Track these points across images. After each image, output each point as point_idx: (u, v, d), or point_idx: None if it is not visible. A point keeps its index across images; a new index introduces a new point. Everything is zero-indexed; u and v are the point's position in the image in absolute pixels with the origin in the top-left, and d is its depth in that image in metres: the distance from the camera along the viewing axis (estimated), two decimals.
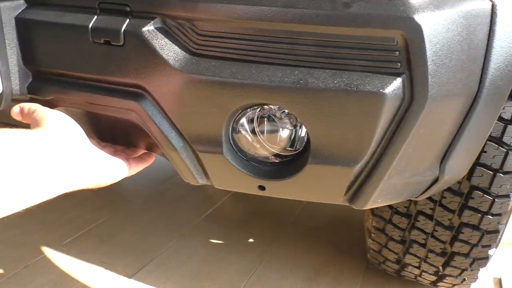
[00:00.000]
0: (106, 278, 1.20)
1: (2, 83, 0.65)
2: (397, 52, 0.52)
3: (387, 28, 0.51)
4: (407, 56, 0.52)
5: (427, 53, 0.52)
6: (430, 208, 0.86)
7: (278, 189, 0.65)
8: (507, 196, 0.80)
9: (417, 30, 0.51)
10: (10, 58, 0.65)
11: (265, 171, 0.65)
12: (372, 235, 1.00)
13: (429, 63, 0.52)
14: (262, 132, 0.65)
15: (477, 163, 0.78)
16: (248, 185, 0.66)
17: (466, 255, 0.89)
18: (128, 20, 0.59)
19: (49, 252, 1.30)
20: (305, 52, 0.55)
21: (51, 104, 0.69)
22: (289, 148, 0.66)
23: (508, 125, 0.75)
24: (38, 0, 0.64)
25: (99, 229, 1.44)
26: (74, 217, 1.50)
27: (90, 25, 0.60)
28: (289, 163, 0.65)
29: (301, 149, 0.65)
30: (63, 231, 1.41)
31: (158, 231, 1.44)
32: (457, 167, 0.68)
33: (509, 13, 0.60)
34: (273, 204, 1.64)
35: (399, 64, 0.53)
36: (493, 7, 0.59)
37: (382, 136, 0.57)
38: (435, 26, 0.52)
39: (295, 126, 0.65)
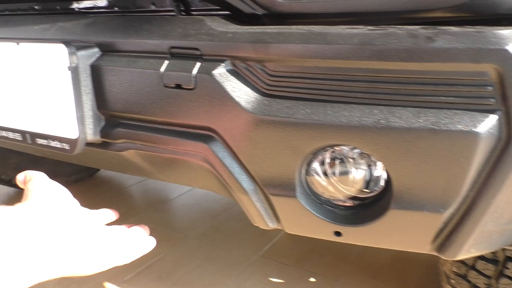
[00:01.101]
0: None
1: (78, 128, 0.67)
2: (491, 87, 0.48)
3: (478, 62, 0.47)
4: (502, 90, 0.48)
5: None
6: None
7: (356, 236, 0.61)
8: None
9: None
10: (85, 104, 0.67)
11: (341, 215, 0.61)
12: (452, 281, 0.92)
13: None
14: (335, 174, 0.61)
15: None
16: (323, 230, 0.62)
17: None
18: (198, 64, 0.59)
19: None
20: (385, 90, 0.51)
21: (122, 147, 0.70)
22: (365, 190, 0.62)
23: None
24: (112, 48, 0.66)
25: (158, 265, 1.44)
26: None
27: (162, 70, 0.61)
28: (368, 207, 0.60)
29: (379, 190, 0.61)
30: (123, 266, 1.42)
31: (216, 268, 1.41)
32: None
33: None
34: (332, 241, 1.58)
35: (493, 100, 0.48)
36: None
37: (476, 179, 0.51)
38: None
39: (369, 166, 0.61)
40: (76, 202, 0.59)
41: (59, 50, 0.64)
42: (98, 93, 0.67)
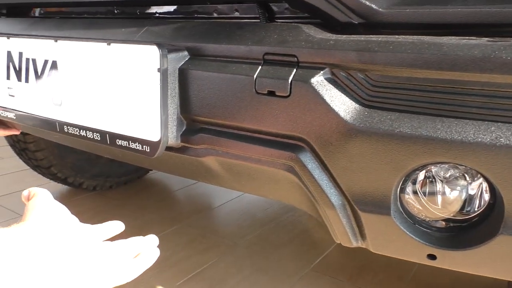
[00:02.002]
0: None
1: (160, 131, 0.66)
2: None
3: None
4: None
5: None
6: None
7: (453, 260, 0.56)
8: None
9: None
10: (170, 107, 0.66)
11: (438, 237, 0.57)
12: None
13: None
14: (428, 193, 0.58)
15: None
16: (415, 252, 0.58)
17: None
18: (295, 71, 0.57)
19: None
20: (505, 105, 0.47)
21: (202, 153, 0.69)
22: (462, 212, 0.58)
23: None
24: (202, 52, 0.65)
25: (208, 272, 1.43)
26: (183, 258, 1.50)
27: (255, 75, 0.59)
28: (469, 230, 0.56)
29: (480, 214, 0.56)
30: (175, 271, 1.42)
31: (268, 279, 1.38)
32: None
33: None
34: (386, 256, 1.51)
35: None
36: None
37: None
38: None
39: (467, 187, 0.57)
40: (75, 220, 0.57)
41: (151, 52, 0.64)
42: (183, 97, 0.67)
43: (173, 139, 0.68)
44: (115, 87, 0.71)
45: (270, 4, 0.68)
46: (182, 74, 0.66)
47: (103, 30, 0.77)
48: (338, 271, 1.45)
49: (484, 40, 0.49)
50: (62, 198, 1.95)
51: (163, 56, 0.63)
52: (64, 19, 0.91)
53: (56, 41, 0.77)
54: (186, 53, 0.66)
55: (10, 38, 0.85)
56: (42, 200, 0.57)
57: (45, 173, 1.82)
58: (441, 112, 0.50)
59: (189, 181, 2.20)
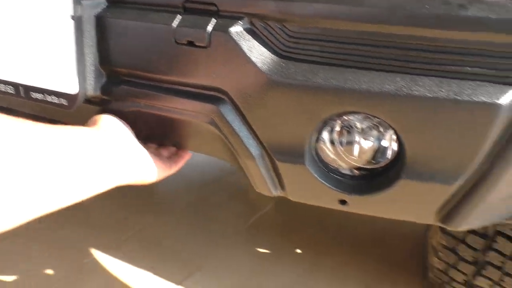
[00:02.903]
0: (155, 284, 1.17)
1: (78, 83, 0.63)
2: None
3: (509, 34, 0.46)
4: None
5: None
6: (511, 228, 0.80)
7: (362, 205, 0.60)
8: None
9: None
10: (87, 57, 0.63)
11: (349, 184, 0.60)
12: (439, 253, 0.94)
13: None
14: (344, 143, 0.61)
15: None
16: (328, 198, 0.61)
17: None
18: (214, 20, 0.56)
19: (98, 255, 1.29)
20: (410, 57, 0.50)
21: (123, 106, 0.67)
22: (373, 161, 0.62)
23: None
24: None
25: (144, 233, 1.43)
26: (120, 220, 1.49)
27: (174, 25, 0.58)
28: (376, 178, 0.60)
29: (387, 162, 0.60)
30: (110, 234, 1.41)
31: (203, 238, 1.41)
32: None
33: None
34: (317, 212, 1.59)
35: None
36: None
37: (490, 152, 0.51)
38: None
39: (378, 138, 0.61)
40: (128, 130, 0.67)
41: None
42: (102, 47, 0.64)
43: (91, 91, 0.66)
44: (27, 35, 0.66)
45: None
46: (99, 22, 0.62)
47: None
48: (272, 228, 1.51)
49: None
50: None
51: (76, 2, 0.60)
52: None
53: None
54: None
55: None
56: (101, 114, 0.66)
57: None
58: (351, 63, 0.52)
59: None
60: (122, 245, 1.36)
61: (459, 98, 0.49)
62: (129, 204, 1.58)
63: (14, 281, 1.18)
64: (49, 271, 1.22)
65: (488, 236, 0.83)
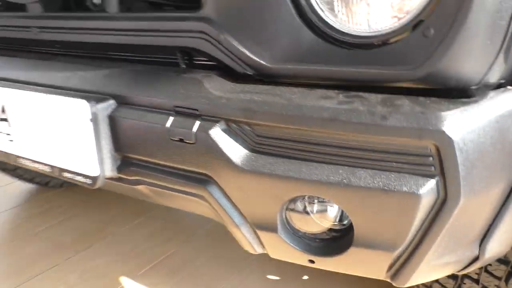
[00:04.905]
0: None
1: (99, 167, 0.80)
2: (431, 158, 0.59)
3: (421, 139, 0.58)
4: (440, 161, 0.59)
5: (458, 161, 0.58)
6: (476, 273, 0.90)
7: (325, 264, 0.73)
8: None
9: (448, 141, 0.57)
10: (104, 147, 0.80)
11: (314, 247, 0.74)
12: None
13: (460, 168, 0.58)
14: (311, 212, 0.74)
15: None
16: (299, 258, 0.75)
17: None
18: (198, 122, 0.71)
19: (127, 282, 1.47)
20: (348, 154, 0.63)
21: (135, 182, 0.83)
22: (336, 223, 0.75)
23: None
24: (126, 101, 0.78)
25: (168, 261, 1.60)
26: (146, 249, 1.67)
27: (168, 125, 0.73)
28: (335, 242, 0.73)
29: (346, 226, 0.73)
30: (138, 261, 1.59)
31: (219, 265, 1.56)
32: (499, 246, 0.72)
33: None
34: None
35: (433, 168, 0.60)
36: None
37: (419, 228, 0.63)
38: (466, 136, 0.58)
39: (334, 210, 0.73)
40: None
41: (83, 105, 0.76)
42: (115, 139, 0.80)
43: (109, 171, 0.82)
44: (57, 130, 0.83)
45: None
46: (111, 120, 0.79)
47: (43, 73, 0.89)
48: None
49: (336, 101, 0.63)
50: (30, 196, 2.07)
51: (93, 108, 0.76)
52: (9, 58, 1.01)
53: (4, 87, 0.88)
54: (113, 101, 0.79)
55: None
56: None
57: (12, 174, 1.93)
58: (305, 158, 0.66)
59: None
60: (149, 272, 1.54)
61: (387, 188, 0.61)
62: (155, 233, 1.76)
63: None
64: None
65: (457, 277, 0.93)
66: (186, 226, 1.84)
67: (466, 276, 0.91)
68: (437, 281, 0.97)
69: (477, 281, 0.90)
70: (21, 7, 0.99)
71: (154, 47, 0.83)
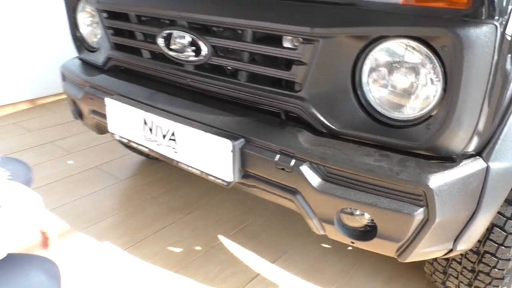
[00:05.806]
0: (255, 260, 1.97)
1: (232, 176, 1.39)
2: (421, 197, 1.11)
3: (417, 187, 1.10)
4: (426, 199, 1.11)
5: (437, 202, 1.09)
6: (459, 258, 1.42)
7: (360, 245, 1.29)
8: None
9: (430, 190, 1.09)
10: (236, 165, 1.38)
11: (355, 235, 1.29)
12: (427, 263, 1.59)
13: (437, 205, 1.10)
14: (354, 215, 1.28)
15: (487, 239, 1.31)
16: (345, 240, 1.30)
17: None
18: (294, 160, 1.27)
19: (222, 239, 2.11)
20: (376, 188, 1.16)
21: (251, 187, 1.42)
22: (368, 223, 1.29)
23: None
24: (250, 140, 1.35)
25: (248, 228, 2.22)
26: (231, 217, 2.30)
27: (275, 159, 1.29)
28: (367, 233, 1.28)
29: (373, 225, 1.27)
30: (227, 226, 2.22)
31: (287, 233, 2.16)
32: (465, 244, 1.24)
33: (496, 169, 1.14)
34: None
35: (422, 202, 1.12)
36: (487, 168, 1.13)
37: (413, 232, 1.16)
38: (441, 187, 1.09)
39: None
40: None
41: (227, 142, 1.34)
42: (243, 161, 1.37)
43: (237, 179, 1.41)
44: (207, 150, 1.43)
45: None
46: (242, 151, 1.36)
47: (198, 114, 1.48)
48: None
49: (372, 158, 1.16)
50: (140, 168, 2.75)
51: (233, 144, 1.34)
52: (173, 97, 1.61)
53: (174, 121, 1.48)
54: (243, 139, 1.36)
55: (145, 111, 1.57)
56: None
57: (133, 151, 2.61)
58: (353, 187, 1.19)
59: None
60: (235, 235, 2.17)
61: (396, 211, 1.14)
62: (238, 205, 2.39)
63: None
64: (189, 248, 2.06)
65: (448, 259, 1.45)
66: (260, 202, 2.45)
67: (453, 259, 1.43)
68: (435, 259, 1.50)
69: (459, 263, 1.43)
70: (181, 64, 1.57)
71: (267, 105, 1.39)
